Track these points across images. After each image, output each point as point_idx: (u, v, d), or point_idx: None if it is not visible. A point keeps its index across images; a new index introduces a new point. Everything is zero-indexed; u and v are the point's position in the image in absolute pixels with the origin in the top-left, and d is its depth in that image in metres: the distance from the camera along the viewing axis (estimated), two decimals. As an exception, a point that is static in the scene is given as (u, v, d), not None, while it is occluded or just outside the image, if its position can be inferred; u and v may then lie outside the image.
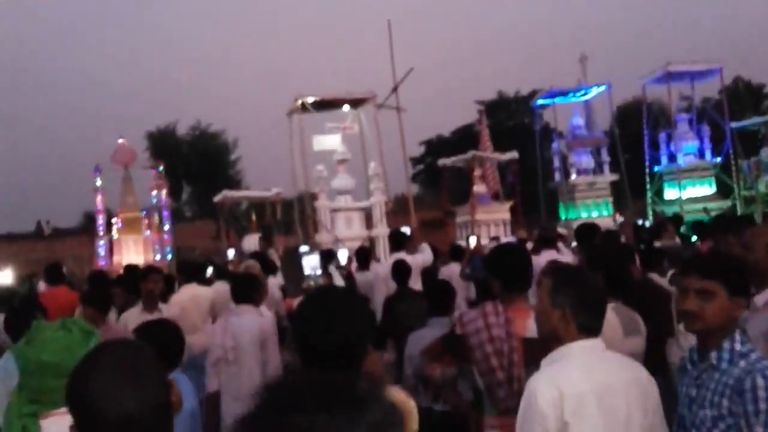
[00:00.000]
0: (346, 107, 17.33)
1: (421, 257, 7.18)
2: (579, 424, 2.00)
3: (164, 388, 1.36)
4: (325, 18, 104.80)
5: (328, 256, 8.72)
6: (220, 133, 43.88)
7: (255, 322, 4.35)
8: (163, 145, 40.42)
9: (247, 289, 4.41)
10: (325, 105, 17.00)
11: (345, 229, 16.02)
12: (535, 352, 2.82)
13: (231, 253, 15.06)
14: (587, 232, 5.86)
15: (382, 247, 15.81)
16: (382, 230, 15.64)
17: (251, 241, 14.06)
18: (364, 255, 7.86)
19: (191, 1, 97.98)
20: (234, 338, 4.27)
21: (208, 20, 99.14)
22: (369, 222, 16.58)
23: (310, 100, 16.42)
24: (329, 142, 16.46)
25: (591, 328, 2.15)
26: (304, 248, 9.76)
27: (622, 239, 6.75)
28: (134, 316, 5.14)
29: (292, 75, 78.74)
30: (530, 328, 2.88)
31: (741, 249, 3.01)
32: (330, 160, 16.47)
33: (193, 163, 40.09)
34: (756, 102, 38.36)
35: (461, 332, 2.99)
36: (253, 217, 18.01)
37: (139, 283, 5.30)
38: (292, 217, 18.40)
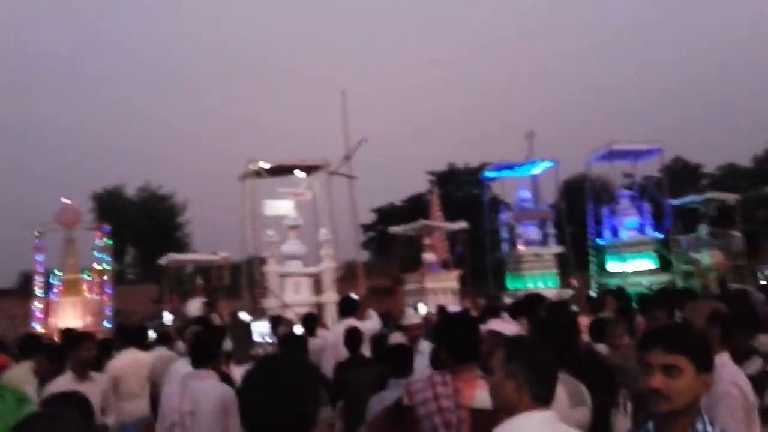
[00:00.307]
0: (299, 173, 17.43)
1: (370, 324, 7.11)
2: None
3: None
4: (281, 84, 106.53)
5: (277, 323, 8.55)
6: (170, 195, 43.39)
7: (217, 387, 4.08)
8: (110, 206, 39.61)
9: (207, 352, 4.15)
10: (279, 170, 17.07)
11: (293, 295, 15.83)
12: (484, 423, 2.78)
13: (168, 317, 14.66)
14: (533, 302, 5.90)
15: (330, 314, 15.64)
16: (331, 296, 15.51)
17: (195, 306, 13.70)
18: (312, 321, 7.76)
19: (143, 59, 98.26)
20: (193, 403, 4.00)
21: (159, 79, 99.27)
22: (318, 288, 16.43)
23: (264, 165, 16.47)
24: (281, 207, 16.43)
25: (544, 397, 2.14)
26: (243, 315, 9.58)
27: (572, 307, 6.86)
28: (65, 384, 4.86)
29: (246, 140, 79.06)
30: (478, 398, 2.85)
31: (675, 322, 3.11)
32: (281, 225, 16.41)
33: (140, 224, 39.28)
34: (694, 180, 40.34)
35: (409, 402, 2.93)
36: (198, 281, 17.59)
37: (67, 350, 5.01)
38: (239, 282, 18.09)
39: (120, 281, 31.19)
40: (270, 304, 15.39)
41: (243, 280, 17.69)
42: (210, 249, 18.62)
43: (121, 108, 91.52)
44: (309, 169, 17.37)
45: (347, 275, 18.56)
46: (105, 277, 18.15)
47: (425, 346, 5.33)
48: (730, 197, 20.63)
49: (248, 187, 16.77)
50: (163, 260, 18.17)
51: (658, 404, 1.90)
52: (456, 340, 3.01)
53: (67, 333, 7.60)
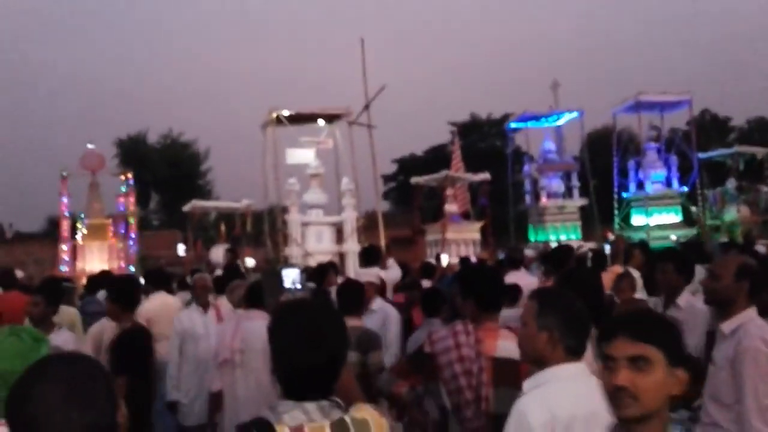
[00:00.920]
0: (320, 122, 17.30)
1: (392, 273, 7.18)
2: None
3: (113, 408, 1.26)
4: (301, 32, 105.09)
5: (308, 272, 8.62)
6: (192, 143, 43.55)
7: (265, 328, 4.18)
8: (133, 152, 39.95)
9: (259, 294, 4.31)
10: (300, 119, 16.95)
11: (315, 244, 15.93)
12: (506, 372, 2.79)
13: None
14: (563, 255, 5.84)
15: (352, 263, 15.76)
16: (352, 246, 15.59)
17: (219, 252, 13.88)
18: (321, 272, 7.65)
19: (166, 9, 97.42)
20: (244, 341, 4.21)
21: (183, 29, 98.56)
22: (339, 237, 16.51)
23: (285, 113, 16.36)
24: (303, 155, 16.39)
25: (577, 350, 2.14)
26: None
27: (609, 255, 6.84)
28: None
29: (266, 87, 78.63)
30: (501, 347, 2.86)
31: (707, 278, 3.05)
32: (302, 174, 16.40)
33: (163, 171, 39.60)
34: (722, 134, 39.47)
35: (430, 351, 2.97)
36: (222, 228, 17.78)
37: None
38: (262, 230, 18.24)
39: (144, 227, 31.68)
40: (292, 252, 15.53)
41: (265, 229, 17.82)
42: (232, 197, 18.75)
43: (146, 54, 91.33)
44: (330, 118, 17.22)
45: (368, 225, 18.61)
46: (130, 222, 18.44)
47: (378, 304, 5.37)
48: (760, 151, 20.19)
49: (269, 135, 16.71)
50: (186, 207, 18.35)
51: (626, 406, 1.54)
52: (480, 291, 3.02)
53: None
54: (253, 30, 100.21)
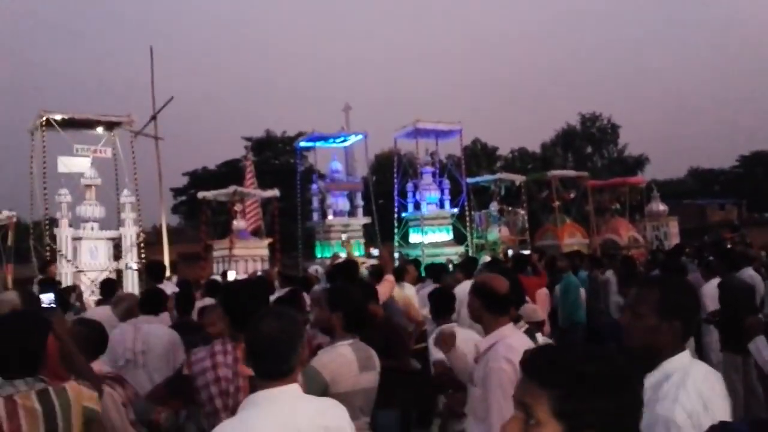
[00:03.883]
0: (99, 129, 16.25)
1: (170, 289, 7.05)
2: None
3: None
4: (82, 33, 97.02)
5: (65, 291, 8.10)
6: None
7: (164, 330, 4.83)
8: None
9: (152, 301, 5.00)
10: (75, 124, 15.79)
11: (89, 260, 14.90)
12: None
13: None
14: (350, 268, 6.23)
15: (131, 279, 14.98)
16: (132, 261, 14.85)
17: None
18: (110, 286, 7.46)
19: None
20: (144, 344, 4.63)
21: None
22: (118, 253, 15.60)
23: (57, 117, 15.12)
24: (77, 164, 15.26)
25: (273, 373, 2.07)
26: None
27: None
28: None
29: (40, 89, 71.23)
30: None
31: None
32: (76, 184, 15.24)
33: None
34: (490, 162, 44.02)
35: (188, 372, 2.95)
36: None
37: None
38: (27, 244, 16.54)
39: None
40: (62, 269, 14.34)
41: (31, 243, 16.18)
42: (-1, 207, 16.67)
43: None
44: (110, 125, 16.26)
45: (155, 240, 17.76)
46: None
47: None
48: (518, 178, 22.86)
49: (38, 140, 15.29)
50: (-70, 219, 16.01)
51: None
52: (241, 308, 2.96)
53: None
54: (27, 25, 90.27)
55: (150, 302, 5.01)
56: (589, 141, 51.84)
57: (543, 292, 8.05)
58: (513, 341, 2.93)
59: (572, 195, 22.54)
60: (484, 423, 2.89)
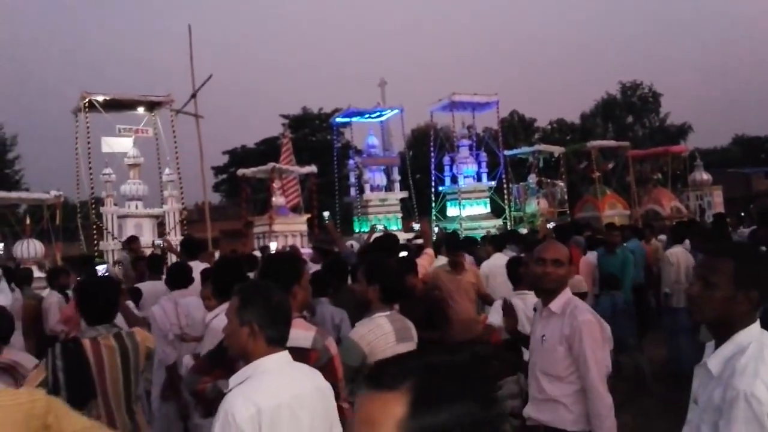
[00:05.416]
0: (140, 109, 16.56)
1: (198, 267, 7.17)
2: None
3: None
4: (126, 16, 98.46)
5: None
6: (-6, 129, 39.22)
7: (199, 303, 4.79)
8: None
9: (181, 275, 5.19)
10: (117, 105, 16.11)
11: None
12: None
13: None
14: (390, 242, 6.25)
15: (172, 256, 15.32)
16: (174, 238, 15.17)
17: (25, 247, 12.85)
18: (157, 262, 7.60)
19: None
20: (187, 317, 4.79)
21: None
22: (162, 230, 15.96)
23: (100, 98, 15.45)
24: (120, 144, 15.61)
25: (279, 339, 2.20)
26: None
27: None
28: None
29: (84, 71, 72.75)
30: (291, 336, 3.04)
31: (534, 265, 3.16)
32: (120, 163, 15.61)
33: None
34: (528, 134, 43.39)
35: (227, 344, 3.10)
36: (27, 222, 16.28)
37: None
38: (76, 223, 17.08)
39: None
40: (108, 246, 14.78)
41: (79, 222, 16.70)
42: (45, 188, 17.21)
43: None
44: (151, 105, 16.56)
45: (197, 217, 18.10)
46: None
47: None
48: (557, 149, 22.53)
49: (82, 122, 15.67)
50: (-19, 198, 16.61)
51: None
52: (275, 279, 2.98)
53: None
54: (67, 8, 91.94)
55: (177, 277, 5.17)
56: (630, 110, 50.50)
57: (588, 263, 7.81)
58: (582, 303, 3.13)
59: (611, 165, 22.10)
60: (563, 381, 2.93)
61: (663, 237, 10.01)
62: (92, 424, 2.26)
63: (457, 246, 6.65)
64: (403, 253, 6.04)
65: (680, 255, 7.55)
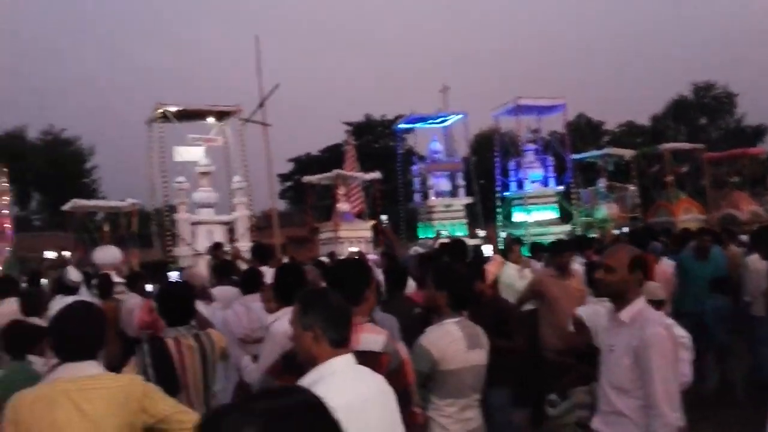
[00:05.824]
0: (210, 119, 17.08)
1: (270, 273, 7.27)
2: None
3: None
4: (193, 28, 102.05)
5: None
6: (75, 140, 41.32)
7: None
8: (10, 149, 37.37)
9: (252, 281, 5.26)
10: (188, 115, 16.68)
11: (206, 243, 15.71)
12: (365, 365, 3.00)
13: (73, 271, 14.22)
14: (459, 248, 6.26)
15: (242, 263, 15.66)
16: (245, 245, 15.51)
17: (104, 254, 13.40)
18: (228, 267, 7.74)
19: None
20: (258, 321, 4.82)
21: (64, 17, 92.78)
22: (232, 236, 16.37)
23: (172, 109, 16.04)
24: (191, 153, 16.13)
25: (341, 341, 2.22)
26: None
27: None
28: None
29: (156, 83, 75.74)
30: (363, 341, 2.94)
31: (601, 271, 3.05)
32: (191, 172, 16.14)
33: (44, 169, 37.29)
34: (596, 137, 42.30)
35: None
36: (105, 229, 17.06)
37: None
38: (150, 230, 17.76)
39: (24, 228, 29.74)
40: (182, 252, 15.26)
41: (153, 229, 17.37)
42: (120, 196, 18.04)
43: (23, 49, 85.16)
44: (220, 115, 17.06)
45: (263, 224, 18.49)
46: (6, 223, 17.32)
47: None
48: (627, 152, 21.86)
49: (156, 132, 16.31)
50: (67, 206, 17.47)
51: None
52: (346, 284, 2.95)
53: None
54: (141, 24, 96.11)
55: (249, 282, 5.33)
56: (703, 111, 48.40)
57: (665, 270, 6.77)
58: (656, 312, 3.01)
59: (684, 169, 21.25)
60: (629, 395, 2.80)
61: (744, 238, 9.49)
62: (182, 409, 2.55)
63: (562, 248, 6.09)
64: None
65: (758, 261, 7.14)
